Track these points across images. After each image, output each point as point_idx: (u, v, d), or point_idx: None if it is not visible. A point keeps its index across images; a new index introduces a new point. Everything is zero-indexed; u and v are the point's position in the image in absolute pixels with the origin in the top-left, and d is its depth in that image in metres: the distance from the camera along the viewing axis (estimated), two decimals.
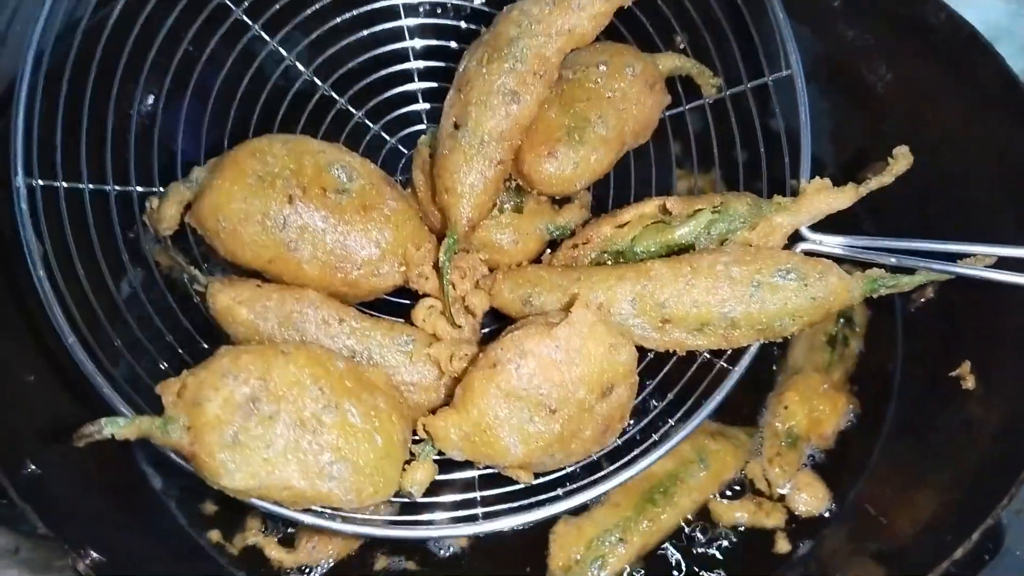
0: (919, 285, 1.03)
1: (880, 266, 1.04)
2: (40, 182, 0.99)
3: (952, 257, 1.02)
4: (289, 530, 1.21)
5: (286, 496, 0.92)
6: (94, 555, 0.99)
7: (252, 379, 0.90)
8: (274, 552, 1.20)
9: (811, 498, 1.24)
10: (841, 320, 1.35)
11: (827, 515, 1.23)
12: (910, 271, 1.02)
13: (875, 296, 1.03)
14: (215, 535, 1.21)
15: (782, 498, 1.24)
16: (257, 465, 0.90)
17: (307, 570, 1.19)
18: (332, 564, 1.20)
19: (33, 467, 1.04)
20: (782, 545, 1.21)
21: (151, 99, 1.11)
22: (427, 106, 1.28)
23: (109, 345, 1.01)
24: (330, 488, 0.92)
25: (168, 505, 1.23)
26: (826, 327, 1.34)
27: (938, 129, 1.02)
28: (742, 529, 1.22)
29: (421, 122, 1.28)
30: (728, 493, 1.24)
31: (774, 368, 1.33)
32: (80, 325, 0.96)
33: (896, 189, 1.04)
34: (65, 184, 1.01)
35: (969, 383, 1.20)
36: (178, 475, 1.22)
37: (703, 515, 1.23)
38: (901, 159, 1.03)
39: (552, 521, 1.19)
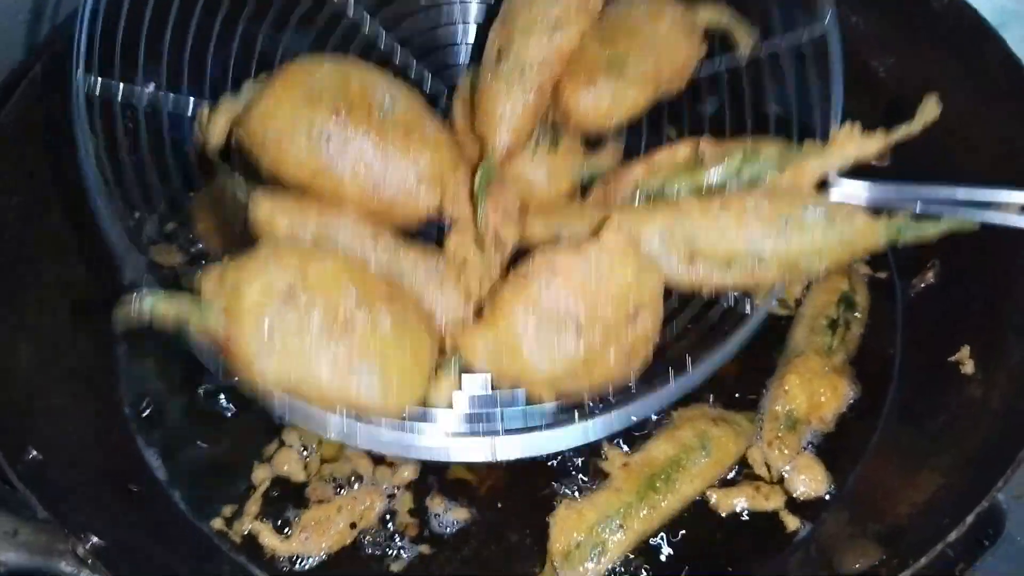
0: (944, 232, 1.04)
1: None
2: (98, 79, 1.02)
3: (980, 206, 1.02)
4: (286, 517, 1.21)
5: (314, 393, 0.94)
6: (95, 540, 1.00)
7: (291, 271, 0.93)
8: (268, 539, 1.19)
9: (811, 480, 1.24)
10: (842, 304, 1.36)
11: (827, 498, 1.23)
12: (936, 218, 1.04)
13: (900, 242, 1.05)
14: (217, 523, 1.21)
15: (781, 481, 1.24)
16: (290, 356, 0.91)
17: (299, 559, 1.19)
18: (325, 558, 1.19)
19: (35, 452, 1.06)
20: (790, 523, 1.21)
21: (208, 16, 1.14)
22: (468, 45, 1.31)
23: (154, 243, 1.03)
24: (358, 388, 0.94)
25: (171, 492, 1.24)
26: (827, 311, 1.35)
27: (942, 116, 1.04)
28: (744, 516, 1.21)
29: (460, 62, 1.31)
30: (726, 478, 1.24)
31: (775, 352, 1.34)
32: (124, 216, 0.99)
33: (900, 177, 1.05)
34: (121, 84, 1.05)
35: (968, 368, 1.22)
36: (181, 462, 1.26)
37: (702, 501, 1.22)
38: (929, 108, 1.05)
39: (552, 507, 1.19)
